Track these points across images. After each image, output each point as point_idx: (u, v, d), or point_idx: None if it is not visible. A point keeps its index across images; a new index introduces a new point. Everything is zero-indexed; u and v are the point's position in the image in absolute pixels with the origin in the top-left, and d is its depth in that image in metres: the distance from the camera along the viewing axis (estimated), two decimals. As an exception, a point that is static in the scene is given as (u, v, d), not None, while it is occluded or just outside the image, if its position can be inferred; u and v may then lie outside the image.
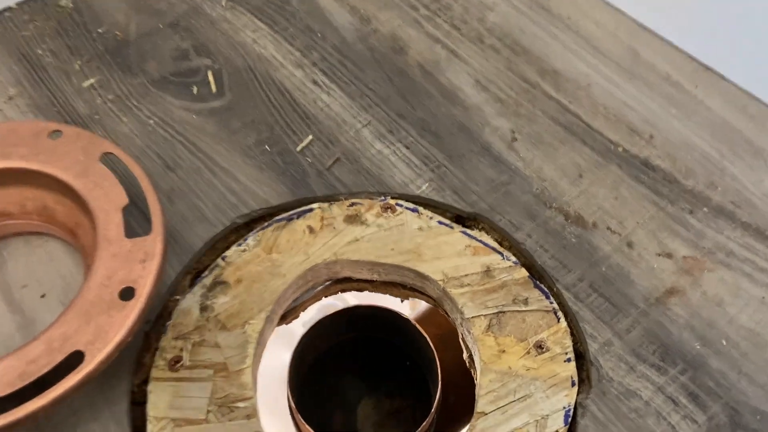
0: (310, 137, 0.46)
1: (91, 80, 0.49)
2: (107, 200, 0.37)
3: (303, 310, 0.44)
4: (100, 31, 0.51)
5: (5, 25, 0.51)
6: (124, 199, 0.37)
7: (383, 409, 0.52)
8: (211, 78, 0.49)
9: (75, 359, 0.32)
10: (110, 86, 0.48)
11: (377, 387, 0.54)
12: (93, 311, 0.33)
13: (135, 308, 0.33)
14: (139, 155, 0.45)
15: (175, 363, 0.37)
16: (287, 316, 0.43)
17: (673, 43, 0.51)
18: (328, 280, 0.43)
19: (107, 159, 0.39)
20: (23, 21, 0.52)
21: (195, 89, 0.48)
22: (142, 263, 0.35)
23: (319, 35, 0.52)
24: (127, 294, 0.34)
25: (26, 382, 0.31)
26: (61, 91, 0.48)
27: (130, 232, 0.36)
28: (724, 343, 0.38)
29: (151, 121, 0.46)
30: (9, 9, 0.52)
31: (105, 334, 0.33)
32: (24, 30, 0.51)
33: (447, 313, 0.41)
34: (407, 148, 0.46)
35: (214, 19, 0.53)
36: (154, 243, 0.36)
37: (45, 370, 0.32)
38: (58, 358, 0.32)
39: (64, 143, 0.39)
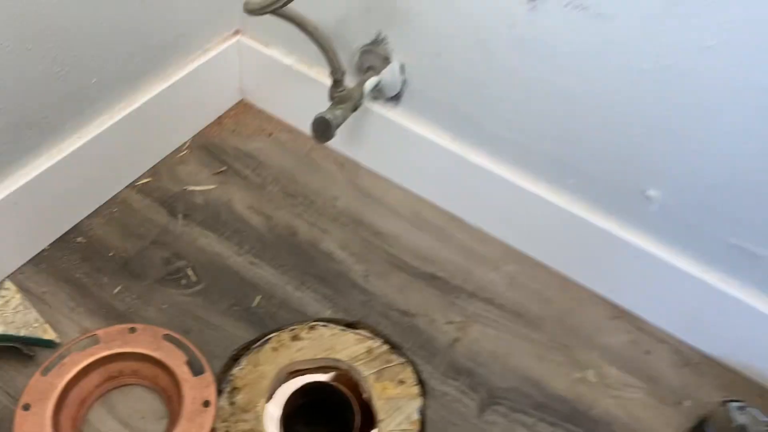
0: (259, 297, 0.83)
1: (118, 287, 0.82)
2: (176, 359, 0.72)
3: (277, 390, 0.80)
4: (111, 254, 0.85)
5: (49, 262, 0.83)
6: (184, 358, 0.72)
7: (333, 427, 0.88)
8: (191, 272, 0.84)
9: (190, 442, 0.67)
10: (132, 290, 0.82)
11: (322, 419, 0.90)
12: (193, 416, 0.68)
13: (212, 411, 0.69)
14: (166, 327, 0.79)
15: (226, 435, 0.72)
16: (271, 396, 0.79)
17: (437, 205, 0.95)
18: (288, 373, 0.80)
19: (167, 337, 0.73)
20: (58, 257, 0.83)
21: (183, 281, 0.83)
22: (207, 388, 0.70)
23: (245, 233, 0.89)
24: (206, 404, 0.69)
25: (173, 457, 0.65)
26: (101, 298, 0.80)
27: (194, 373, 0.71)
28: (480, 360, 0.81)
29: (164, 306, 0.81)
30: (45, 249, 0.84)
31: (202, 427, 0.67)
32: (62, 263, 0.83)
33: (352, 377, 0.80)
34: (314, 292, 0.85)
35: (178, 234, 0.88)
36: (208, 380, 0.71)
37: (181, 450, 0.66)
38: (184, 443, 0.66)
39: (140, 334, 0.73)
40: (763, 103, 0.62)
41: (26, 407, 0.67)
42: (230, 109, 1.04)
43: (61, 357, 0.71)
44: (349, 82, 0.83)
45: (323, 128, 0.80)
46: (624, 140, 0.73)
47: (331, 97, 0.81)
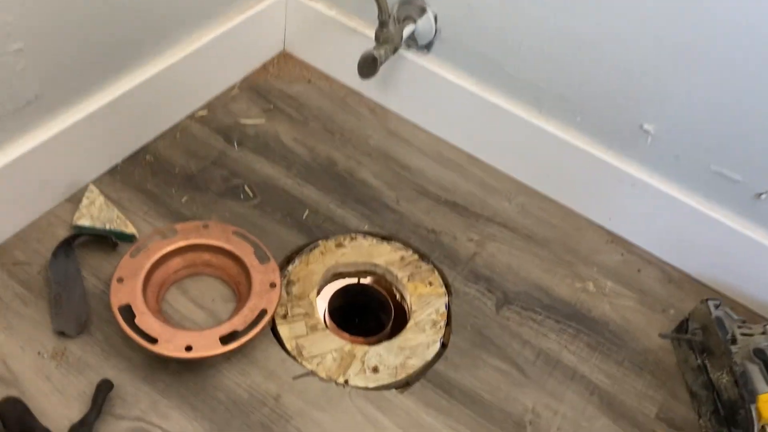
0: (307, 211, 0.96)
1: (185, 197, 0.94)
2: (244, 250, 0.84)
3: (324, 287, 0.93)
4: (176, 170, 0.96)
5: (123, 174, 0.94)
6: (251, 249, 0.84)
7: (366, 323, 1.00)
8: (248, 189, 0.96)
9: (260, 316, 0.79)
10: (197, 200, 0.94)
11: (362, 312, 1.01)
12: (262, 294, 0.80)
13: (277, 291, 0.81)
14: (227, 231, 0.91)
15: (284, 316, 0.84)
16: (320, 291, 0.91)
17: (457, 145, 1.09)
18: (333, 274, 0.92)
19: (235, 233, 0.85)
20: (131, 170, 0.95)
21: (241, 195, 0.96)
22: (273, 273, 0.82)
23: (292, 160, 1.02)
24: (272, 286, 0.81)
25: (247, 324, 0.77)
26: (171, 205, 0.92)
27: (260, 261, 0.83)
28: (496, 270, 0.94)
29: (227, 214, 0.93)
30: (117, 165, 0.95)
31: (270, 302, 0.80)
32: (135, 176, 0.94)
33: (387, 279, 0.93)
34: (353, 210, 0.97)
35: (234, 157, 1.00)
36: (273, 266, 0.83)
37: (254, 317, 0.78)
38: (255, 313, 0.78)
39: (212, 229, 0.85)
40: (743, 44, 0.77)
41: (120, 280, 0.78)
42: (273, 58, 1.16)
43: (146, 243, 0.82)
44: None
45: (370, 63, 0.93)
46: (626, 79, 0.87)
47: (377, 38, 0.94)
